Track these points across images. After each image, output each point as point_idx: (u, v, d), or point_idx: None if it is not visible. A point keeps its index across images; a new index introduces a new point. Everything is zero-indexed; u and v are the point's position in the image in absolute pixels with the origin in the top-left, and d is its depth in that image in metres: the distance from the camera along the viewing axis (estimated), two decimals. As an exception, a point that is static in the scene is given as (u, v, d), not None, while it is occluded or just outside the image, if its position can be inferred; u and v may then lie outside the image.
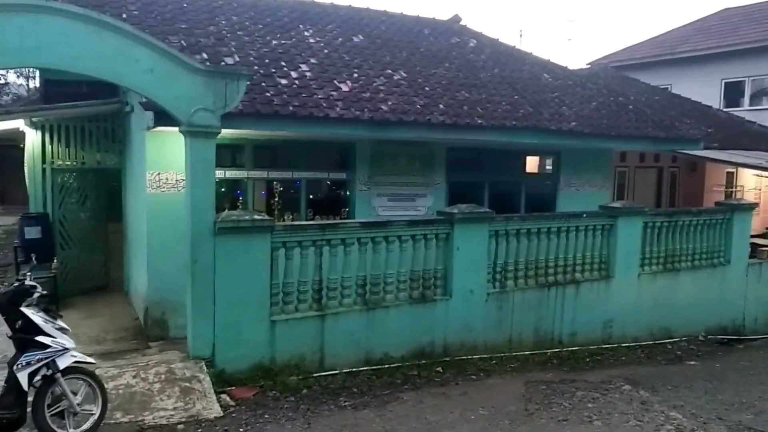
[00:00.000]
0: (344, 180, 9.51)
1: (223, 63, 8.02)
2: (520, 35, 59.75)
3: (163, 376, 5.94)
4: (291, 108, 7.67)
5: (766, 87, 19.87)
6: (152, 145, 7.79)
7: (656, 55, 22.45)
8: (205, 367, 6.04)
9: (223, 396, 5.84)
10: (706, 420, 6.19)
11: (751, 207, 10.79)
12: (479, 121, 9.08)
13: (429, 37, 12.03)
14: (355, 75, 9.19)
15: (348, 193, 9.51)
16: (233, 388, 6.02)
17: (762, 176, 14.85)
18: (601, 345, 8.71)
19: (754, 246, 11.47)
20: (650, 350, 9.01)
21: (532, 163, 11.58)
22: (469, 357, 7.56)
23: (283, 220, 8.70)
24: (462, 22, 13.62)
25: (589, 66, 23.47)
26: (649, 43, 24.01)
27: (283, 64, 8.75)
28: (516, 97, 10.38)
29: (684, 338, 9.63)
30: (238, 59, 8.38)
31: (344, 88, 8.65)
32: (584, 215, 8.77)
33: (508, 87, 10.70)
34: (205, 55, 8.00)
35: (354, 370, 6.75)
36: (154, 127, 6.81)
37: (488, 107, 9.62)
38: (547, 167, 11.51)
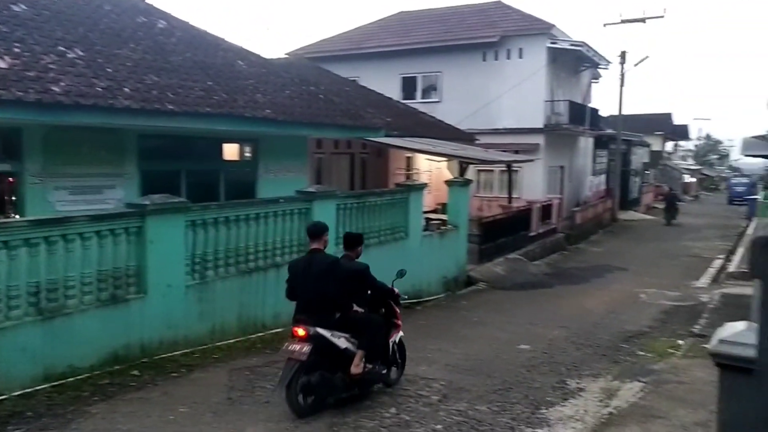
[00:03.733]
0: (9, 172, 8.15)
1: None
2: (217, 20, 58.63)
3: None
4: None
5: (433, 83, 23.17)
6: None
7: (346, 49, 24.30)
8: None
9: None
10: (390, 376, 7.00)
11: (423, 187, 12.50)
12: (170, 107, 8.64)
13: (110, 14, 10.95)
14: (17, 50, 7.88)
15: (15, 187, 8.18)
16: None
17: (432, 160, 17.31)
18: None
19: (427, 220, 13.37)
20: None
21: (231, 151, 11.50)
22: (171, 354, 7.22)
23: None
24: (149, 1, 12.76)
25: (286, 56, 24.33)
26: (340, 38, 25.84)
27: None
28: (210, 83, 10.15)
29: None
30: None
31: (1, 64, 7.37)
32: (281, 200, 9.05)
33: (201, 72, 10.39)
34: None
35: (29, 390, 5.85)
36: None
37: (180, 92, 9.21)
38: (247, 154, 11.57)
